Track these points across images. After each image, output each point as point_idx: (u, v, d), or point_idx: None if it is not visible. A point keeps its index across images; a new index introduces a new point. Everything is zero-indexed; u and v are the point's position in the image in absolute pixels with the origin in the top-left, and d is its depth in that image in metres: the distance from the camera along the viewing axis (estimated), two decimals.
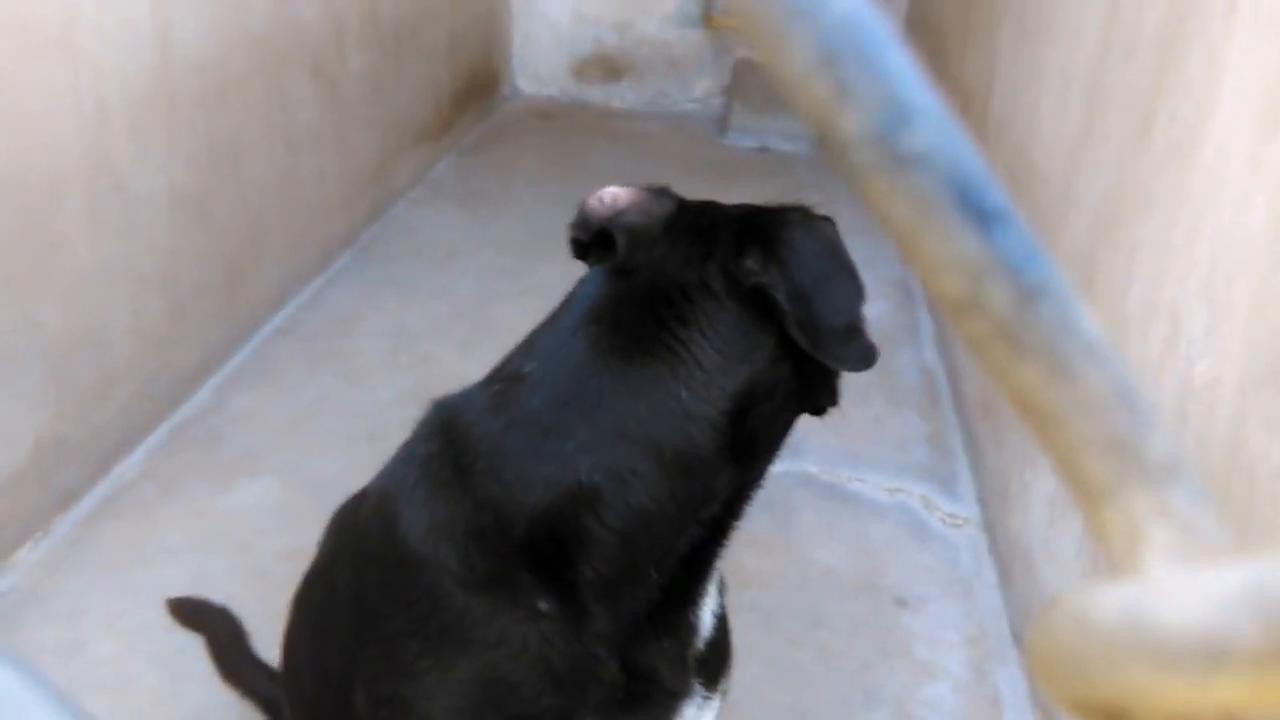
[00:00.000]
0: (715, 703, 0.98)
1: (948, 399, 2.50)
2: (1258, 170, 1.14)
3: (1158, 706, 0.19)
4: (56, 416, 1.84)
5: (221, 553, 1.83)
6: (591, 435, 0.82)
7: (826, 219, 0.89)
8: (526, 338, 0.91)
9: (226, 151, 2.28)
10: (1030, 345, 0.21)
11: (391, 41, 3.14)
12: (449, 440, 0.87)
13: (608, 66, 4.45)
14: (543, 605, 0.83)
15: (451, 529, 0.84)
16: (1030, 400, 0.21)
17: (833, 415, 0.93)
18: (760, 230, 0.84)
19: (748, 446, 0.86)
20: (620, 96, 4.47)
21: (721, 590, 0.99)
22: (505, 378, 0.88)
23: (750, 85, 4.13)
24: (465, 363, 2.31)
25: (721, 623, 0.99)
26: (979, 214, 0.20)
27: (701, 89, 4.43)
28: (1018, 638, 1.79)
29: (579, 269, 0.95)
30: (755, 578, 1.87)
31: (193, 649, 1.52)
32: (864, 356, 0.84)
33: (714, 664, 0.97)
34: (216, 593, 1.59)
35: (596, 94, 4.48)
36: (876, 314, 2.61)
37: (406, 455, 0.91)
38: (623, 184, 0.93)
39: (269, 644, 1.31)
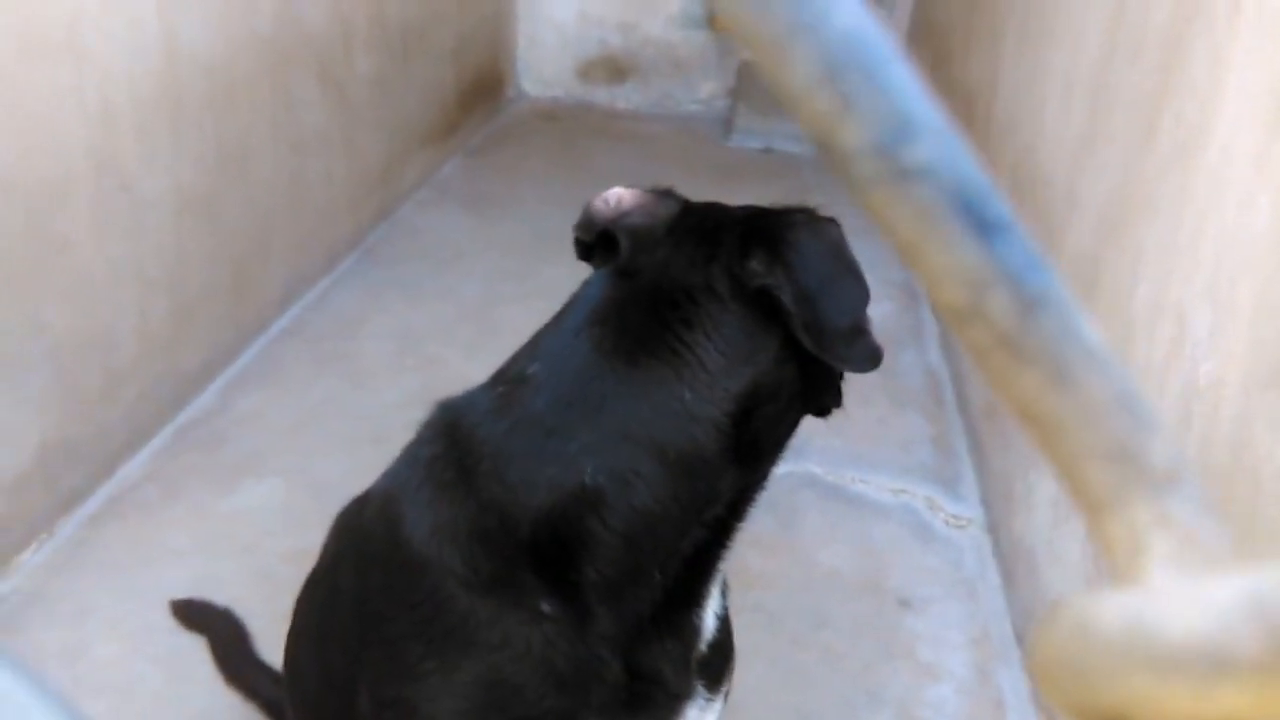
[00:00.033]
0: (717, 704, 0.98)
1: (952, 400, 2.50)
2: (1262, 171, 1.14)
3: (1159, 714, 0.19)
4: (62, 418, 1.84)
5: (226, 555, 1.84)
6: (595, 437, 0.82)
7: (831, 220, 0.88)
8: (531, 339, 0.91)
9: (233, 153, 2.28)
10: (1031, 354, 0.21)
11: (398, 44, 3.14)
12: (453, 442, 0.87)
13: (612, 68, 4.45)
14: (546, 607, 0.83)
15: (455, 531, 0.84)
16: (1032, 409, 0.21)
17: (837, 416, 0.93)
18: (765, 232, 0.84)
19: (751, 448, 0.86)
20: (625, 98, 4.47)
21: (724, 592, 0.99)
22: (509, 379, 0.88)
23: (755, 87, 4.12)
24: (470, 364, 2.31)
25: (724, 624, 0.99)
26: (980, 225, 0.20)
27: (706, 90, 4.43)
28: (1021, 639, 1.79)
29: (584, 271, 0.95)
30: (759, 578, 1.87)
31: (196, 651, 1.53)
32: (869, 357, 0.84)
33: (716, 665, 0.97)
34: (220, 595, 1.60)
35: (601, 96, 4.48)
36: (881, 315, 2.59)
37: (411, 457, 0.91)
38: (627, 185, 0.93)
39: (273, 646, 1.32)
